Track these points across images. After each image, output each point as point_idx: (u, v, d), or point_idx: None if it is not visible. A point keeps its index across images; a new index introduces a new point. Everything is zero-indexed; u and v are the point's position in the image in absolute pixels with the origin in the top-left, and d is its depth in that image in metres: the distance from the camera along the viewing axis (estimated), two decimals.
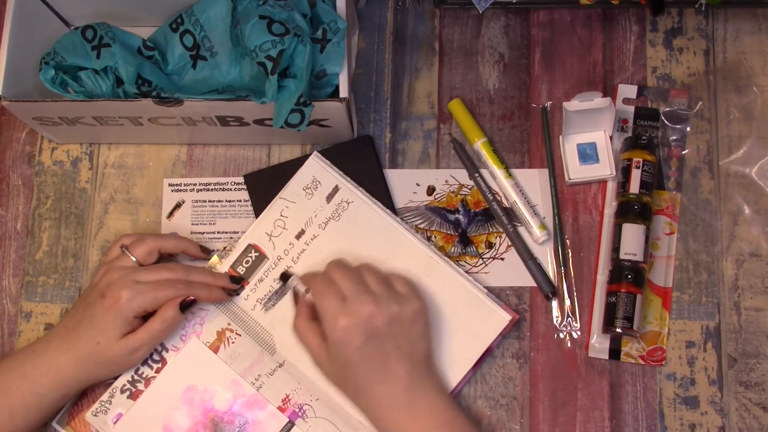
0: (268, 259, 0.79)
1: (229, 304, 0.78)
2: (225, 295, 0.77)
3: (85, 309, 0.74)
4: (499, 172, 0.81)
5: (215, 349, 0.78)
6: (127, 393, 0.77)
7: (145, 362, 0.77)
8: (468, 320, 0.76)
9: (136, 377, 0.77)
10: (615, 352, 0.78)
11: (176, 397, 0.77)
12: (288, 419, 0.76)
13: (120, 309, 0.72)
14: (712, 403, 0.77)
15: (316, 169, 0.80)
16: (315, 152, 0.81)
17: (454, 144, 0.82)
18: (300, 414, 0.76)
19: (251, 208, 0.82)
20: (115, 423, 0.76)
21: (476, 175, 0.81)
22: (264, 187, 0.81)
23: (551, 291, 0.79)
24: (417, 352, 0.72)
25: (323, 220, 0.79)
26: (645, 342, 0.78)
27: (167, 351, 0.77)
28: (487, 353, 0.77)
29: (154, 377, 0.77)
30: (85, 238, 0.84)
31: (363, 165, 0.82)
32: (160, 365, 0.77)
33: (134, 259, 0.75)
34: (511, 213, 0.81)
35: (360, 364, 0.70)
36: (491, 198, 0.80)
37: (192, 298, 0.74)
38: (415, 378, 0.71)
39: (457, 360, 0.75)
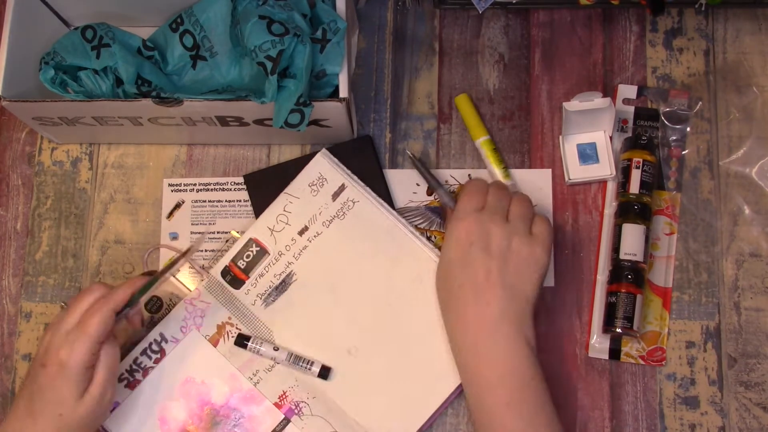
0: (269, 254, 0.79)
1: (230, 297, 0.78)
2: (142, 278, 0.71)
3: (32, 384, 0.67)
4: (498, 172, 0.81)
5: (215, 342, 0.78)
6: (125, 382, 0.77)
7: (144, 352, 0.77)
8: None
9: (134, 366, 0.77)
10: (615, 352, 0.78)
11: (173, 388, 0.77)
12: (284, 416, 0.76)
13: (66, 371, 0.65)
14: (712, 403, 0.77)
15: (323, 166, 0.80)
16: (324, 149, 0.81)
17: (413, 159, 0.81)
18: (296, 411, 0.76)
19: (251, 208, 0.82)
20: (111, 411, 0.76)
21: (434, 194, 0.82)
22: (264, 187, 0.81)
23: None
24: (519, 290, 0.71)
25: (328, 218, 0.79)
26: (645, 342, 0.78)
27: (167, 342, 0.78)
28: None
29: (152, 367, 0.77)
30: (85, 238, 0.84)
31: (363, 165, 0.82)
32: (159, 356, 0.77)
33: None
34: None
35: (460, 271, 0.71)
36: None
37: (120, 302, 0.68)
38: (506, 315, 0.70)
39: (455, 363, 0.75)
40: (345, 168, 0.80)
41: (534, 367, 0.69)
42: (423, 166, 0.81)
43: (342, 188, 0.79)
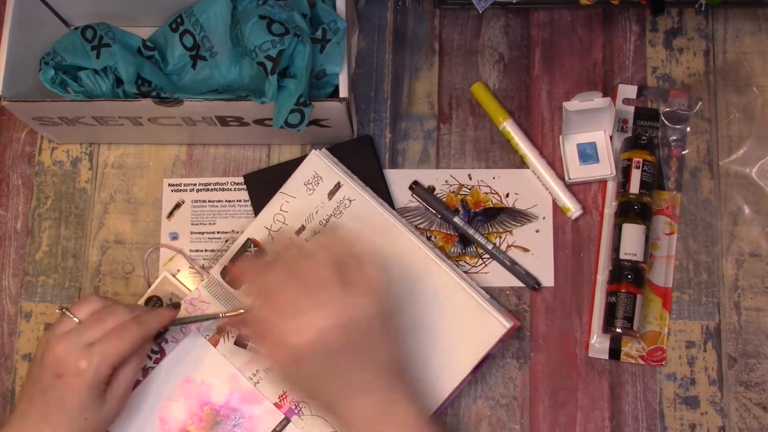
0: (268, 254, 0.79)
1: (231, 298, 0.78)
2: (173, 311, 0.74)
3: (44, 395, 0.67)
4: (531, 153, 0.81)
5: (215, 342, 0.78)
6: None
7: None
8: (466, 326, 0.75)
9: None
10: (615, 352, 0.78)
11: (173, 388, 0.77)
12: (284, 416, 0.76)
13: (87, 381, 0.66)
14: (712, 403, 0.77)
15: (318, 165, 0.80)
16: (323, 148, 0.80)
17: (415, 190, 0.81)
18: (296, 411, 0.76)
19: (251, 208, 0.82)
20: None
21: (447, 219, 0.81)
22: (264, 187, 0.81)
23: (536, 283, 0.79)
24: (382, 358, 0.66)
25: (324, 217, 0.79)
26: (645, 342, 0.78)
27: (167, 342, 0.78)
28: (488, 359, 0.77)
29: (152, 367, 0.77)
30: (85, 238, 0.84)
31: (363, 165, 0.82)
32: (159, 356, 0.77)
33: (77, 320, 0.69)
34: (514, 213, 0.81)
35: (322, 383, 0.65)
36: (493, 248, 0.80)
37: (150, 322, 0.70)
38: (385, 389, 0.65)
39: (453, 366, 0.75)
40: (342, 166, 0.80)
41: (432, 424, 0.65)
42: (430, 195, 0.78)
43: (338, 187, 0.79)
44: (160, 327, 0.72)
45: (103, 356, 0.67)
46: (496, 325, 0.75)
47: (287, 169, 0.81)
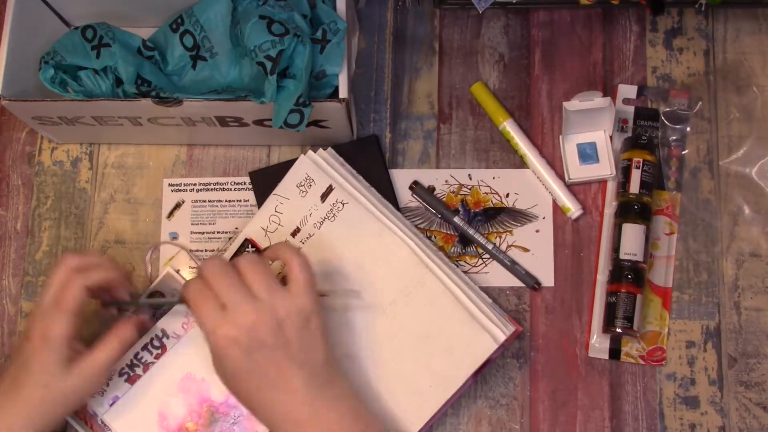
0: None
1: None
2: (122, 271, 0.73)
3: (18, 357, 0.69)
4: (531, 153, 0.81)
5: None
6: (125, 377, 0.77)
7: (145, 347, 0.77)
8: (459, 337, 0.74)
9: (135, 361, 0.77)
10: (615, 352, 0.78)
11: (173, 384, 0.77)
12: None
13: (49, 343, 0.67)
14: (712, 403, 0.77)
15: (309, 167, 0.79)
16: (310, 150, 0.80)
17: (415, 190, 0.81)
18: None
19: (251, 207, 0.82)
20: (111, 405, 0.76)
21: (445, 218, 0.81)
22: (269, 184, 0.80)
23: (536, 283, 0.79)
24: (313, 360, 0.66)
25: (318, 220, 0.79)
26: (645, 342, 0.78)
27: (168, 338, 0.78)
28: (488, 363, 0.76)
29: (152, 363, 0.77)
30: (85, 238, 0.84)
31: (369, 165, 0.81)
32: (159, 351, 0.77)
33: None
34: (514, 213, 0.81)
35: (248, 377, 0.65)
36: (493, 249, 0.80)
37: (145, 318, 0.71)
38: (314, 389, 0.65)
39: (446, 376, 0.74)
40: (339, 167, 0.79)
41: (368, 419, 0.68)
42: (429, 195, 0.80)
43: (330, 189, 0.79)
44: (101, 275, 0.71)
45: (54, 318, 0.68)
46: (487, 340, 0.74)
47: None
